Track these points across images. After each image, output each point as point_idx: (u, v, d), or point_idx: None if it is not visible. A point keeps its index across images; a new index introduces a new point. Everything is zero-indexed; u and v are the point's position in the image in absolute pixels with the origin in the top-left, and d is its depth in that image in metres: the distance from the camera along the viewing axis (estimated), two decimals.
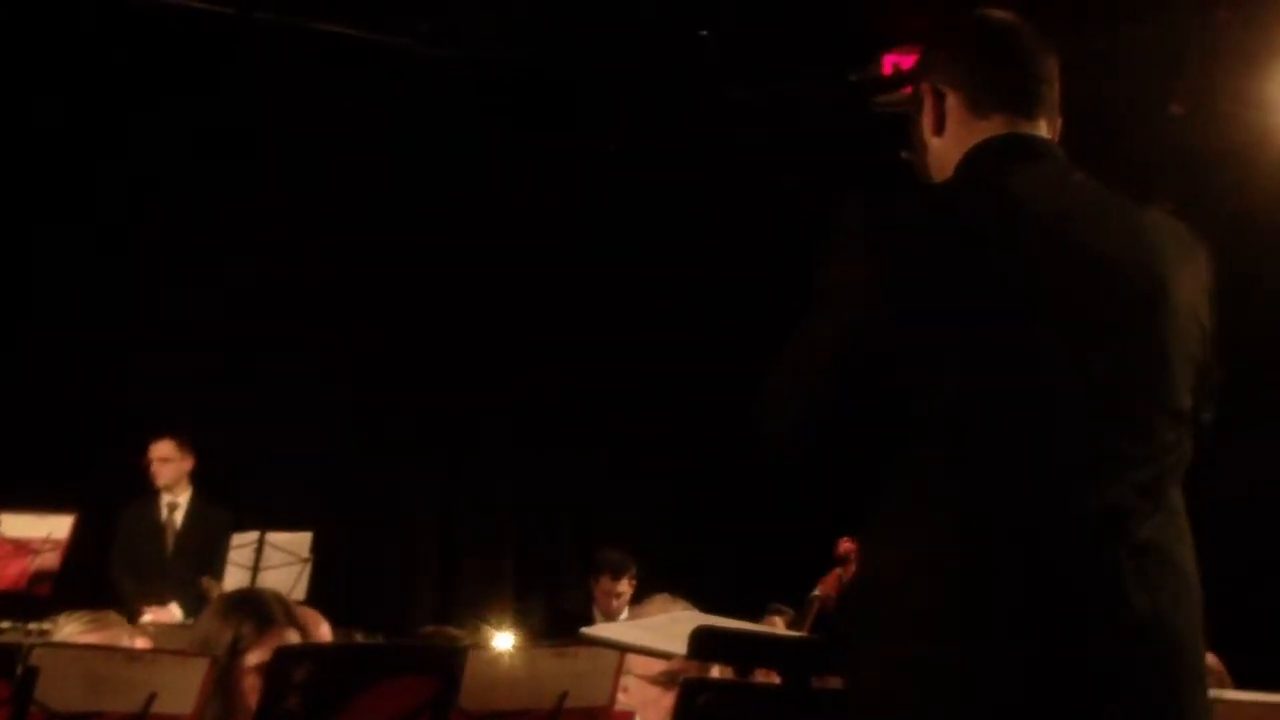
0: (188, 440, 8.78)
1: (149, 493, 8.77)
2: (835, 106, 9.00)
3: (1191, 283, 2.47)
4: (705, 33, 8.79)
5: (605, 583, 9.17)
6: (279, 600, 3.64)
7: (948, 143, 2.58)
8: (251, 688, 3.32)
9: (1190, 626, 2.36)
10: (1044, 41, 2.62)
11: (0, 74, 8.70)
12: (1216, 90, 8.06)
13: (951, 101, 2.58)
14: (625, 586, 9.10)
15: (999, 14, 2.66)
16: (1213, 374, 2.53)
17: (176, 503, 8.78)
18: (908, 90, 2.70)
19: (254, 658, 3.37)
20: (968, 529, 2.30)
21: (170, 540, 8.72)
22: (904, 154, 2.68)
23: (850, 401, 2.34)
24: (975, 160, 2.53)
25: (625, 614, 8.81)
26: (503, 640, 6.99)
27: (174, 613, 8.31)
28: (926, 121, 2.61)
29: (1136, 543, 2.32)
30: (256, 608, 3.51)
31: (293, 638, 3.44)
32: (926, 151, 2.62)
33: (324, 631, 4.16)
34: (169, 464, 8.73)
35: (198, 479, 8.84)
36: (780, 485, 2.48)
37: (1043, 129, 2.57)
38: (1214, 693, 3.51)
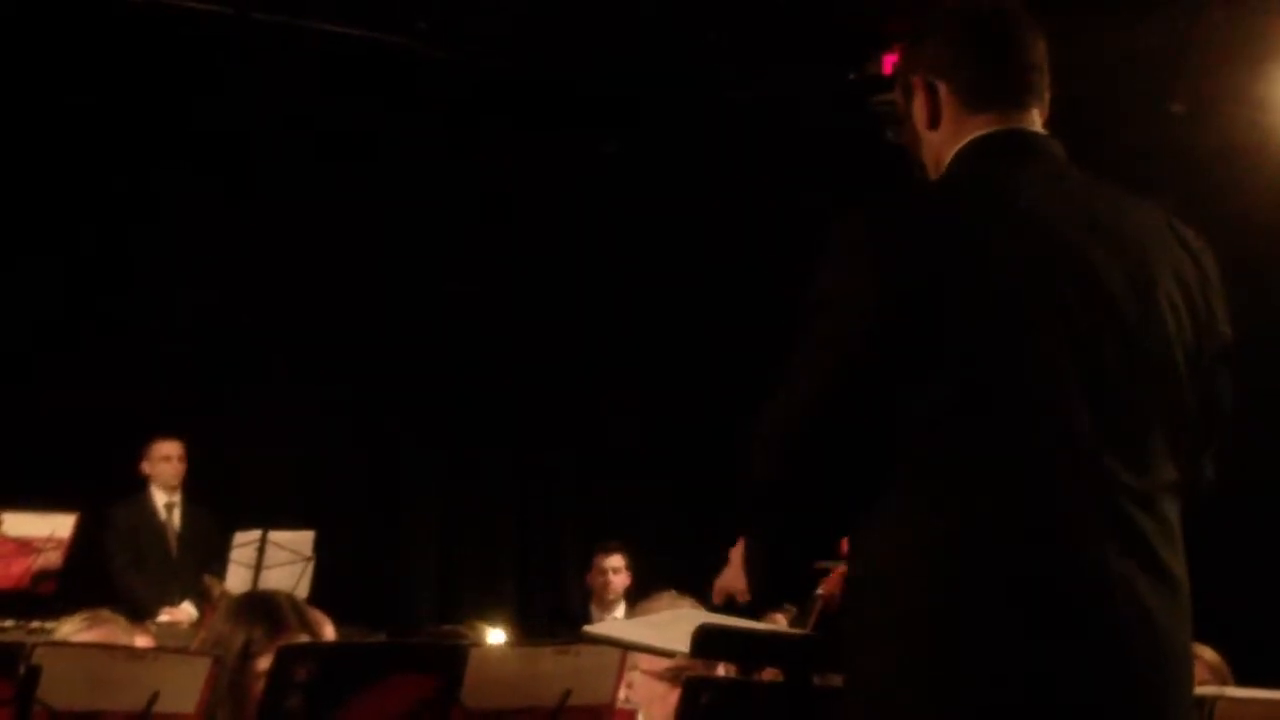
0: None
1: (138, 494, 8.73)
2: (834, 106, 8.99)
3: (1177, 285, 2.45)
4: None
5: (598, 561, 9.24)
6: (292, 603, 3.55)
7: (943, 135, 2.54)
8: (263, 693, 3.27)
9: (1180, 630, 2.37)
10: (1031, 24, 2.58)
11: None
12: (1215, 90, 8.05)
13: (944, 94, 2.54)
14: (618, 562, 9.18)
15: (985, 1, 2.61)
16: (1223, 403, 2.53)
17: (173, 502, 8.76)
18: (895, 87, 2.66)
19: (265, 662, 3.24)
20: (960, 530, 2.30)
21: (173, 540, 8.71)
22: (890, 135, 2.64)
23: (850, 407, 2.33)
24: (969, 159, 2.51)
25: (621, 605, 8.85)
26: (495, 636, 6.98)
27: (190, 611, 8.32)
28: (919, 115, 2.56)
29: (1127, 546, 2.32)
30: (269, 611, 3.44)
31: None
32: (921, 144, 2.59)
33: (328, 632, 4.14)
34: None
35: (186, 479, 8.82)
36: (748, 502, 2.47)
37: (1035, 118, 2.54)
38: (1217, 690, 3.52)
